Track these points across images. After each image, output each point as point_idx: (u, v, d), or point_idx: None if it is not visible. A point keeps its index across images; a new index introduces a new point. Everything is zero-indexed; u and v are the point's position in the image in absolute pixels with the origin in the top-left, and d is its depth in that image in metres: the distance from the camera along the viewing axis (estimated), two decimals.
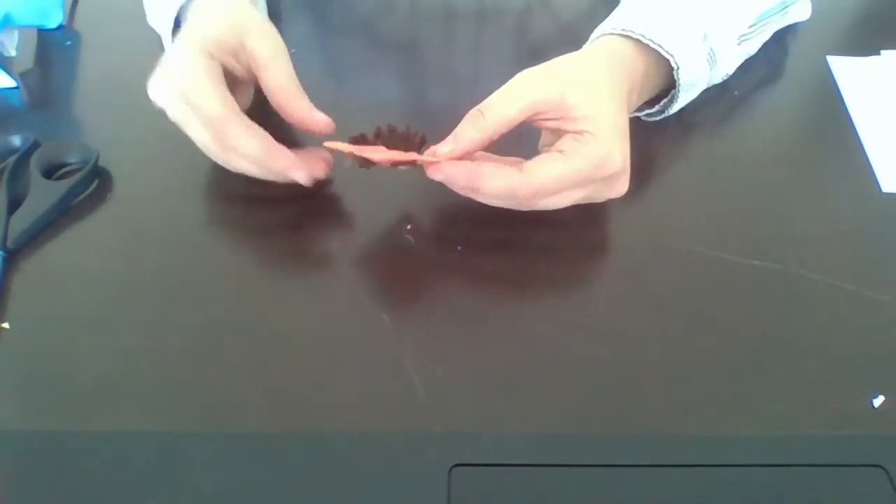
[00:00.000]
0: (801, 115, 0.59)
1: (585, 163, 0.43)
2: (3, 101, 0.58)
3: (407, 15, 0.64)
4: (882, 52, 0.63)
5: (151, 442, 0.39)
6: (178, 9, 0.52)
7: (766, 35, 0.59)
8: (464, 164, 0.44)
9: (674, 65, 0.50)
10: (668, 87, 0.53)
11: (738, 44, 0.55)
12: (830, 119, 0.57)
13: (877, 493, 0.38)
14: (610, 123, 0.44)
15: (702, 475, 0.39)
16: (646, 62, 0.50)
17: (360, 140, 0.46)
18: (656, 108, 0.54)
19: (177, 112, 0.47)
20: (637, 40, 0.49)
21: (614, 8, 0.54)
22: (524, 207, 0.46)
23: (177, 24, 0.53)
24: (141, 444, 0.39)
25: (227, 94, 0.47)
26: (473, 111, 0.44)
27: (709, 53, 0.52)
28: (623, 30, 0.49)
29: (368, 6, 0.64)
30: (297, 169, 0.47)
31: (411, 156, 0.44)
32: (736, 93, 0.56)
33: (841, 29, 0.65)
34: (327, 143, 0.46)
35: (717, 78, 0.55)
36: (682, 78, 0.50)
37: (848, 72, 0.60)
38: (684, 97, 0.53)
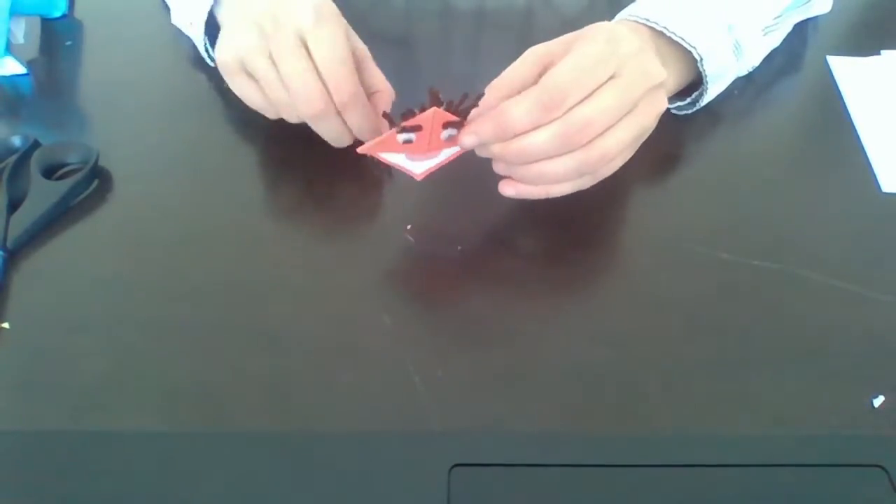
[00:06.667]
0: (801, 115, 0.59)
1: (584, 35, 0.44)
2: (13, 88, 0.59)
3: (404, 14, 0.64)
4: (882, 52, 0.63)
5: (151, 442, 0.39)
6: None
7: (788, 27, 0.59)
8: (488, 115, 0.43)
9: (696, 56, 0.50)
10: (694, 77, 0.53)
11: (764, 35, 0.55)
12: (830, 119, 0.57)
13: (877, 493, 0.38)
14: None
15: (702, 475, 0.39)
16: (668, 51, 0.50)
17: (408, 115, 0.43)
18: (687, 100, 0.54)
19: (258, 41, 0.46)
20: (656, 30, 0.49)
21: (616, 4, 0.54)
22: (583, 153, 0.43)
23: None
24: (141, 444, 0.39)
25: None
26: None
27: (734, 45, 0.52)
28: (647, 20, 0.49)
29: (364, 4, 0.64)
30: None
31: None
32: (736, 93, 0.56)
33: (841, 29, 0.65)
34: (361, 149, 0.45)
35: (745, 70, 0.55)
36: (708, 69, 0.51)
37: (848, 72, 0.60)
38: (713, 89, 0.53)
